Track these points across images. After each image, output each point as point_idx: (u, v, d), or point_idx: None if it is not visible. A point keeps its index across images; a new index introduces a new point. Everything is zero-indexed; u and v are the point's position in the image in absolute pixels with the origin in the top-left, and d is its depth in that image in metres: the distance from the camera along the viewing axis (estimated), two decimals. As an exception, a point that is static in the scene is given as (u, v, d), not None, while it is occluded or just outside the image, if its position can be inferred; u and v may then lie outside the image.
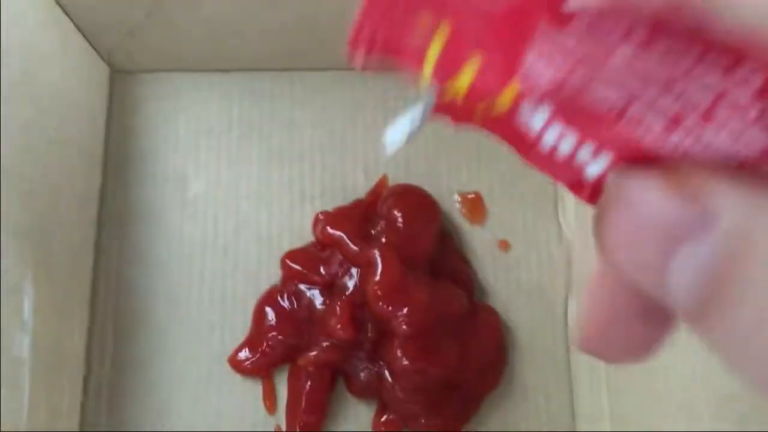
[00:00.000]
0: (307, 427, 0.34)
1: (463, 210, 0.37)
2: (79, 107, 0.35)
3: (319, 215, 0.36)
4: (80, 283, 0.34)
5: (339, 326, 0.32)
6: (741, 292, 0.10)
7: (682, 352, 0.28)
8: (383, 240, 0.33)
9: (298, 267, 0.35)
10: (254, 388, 0.35)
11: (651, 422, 0.30)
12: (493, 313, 0.36)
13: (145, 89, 0.38)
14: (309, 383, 0.34)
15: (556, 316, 0.36)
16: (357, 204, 0.36)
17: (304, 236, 0.36)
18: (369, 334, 0.33)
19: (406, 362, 0.32)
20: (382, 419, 0.34)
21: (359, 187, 0.37)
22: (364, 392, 0.34)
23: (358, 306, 0.33)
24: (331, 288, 0.34)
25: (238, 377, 0.35)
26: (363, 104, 0.38)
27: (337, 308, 0.33)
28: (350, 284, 0.33)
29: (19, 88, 0.30)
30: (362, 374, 0.34)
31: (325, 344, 0.33)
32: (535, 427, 0.35)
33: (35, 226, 0.30)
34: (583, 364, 0.34)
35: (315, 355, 0.33)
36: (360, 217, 0.35)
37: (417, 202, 0.36)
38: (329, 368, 0.34)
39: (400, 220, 0.34)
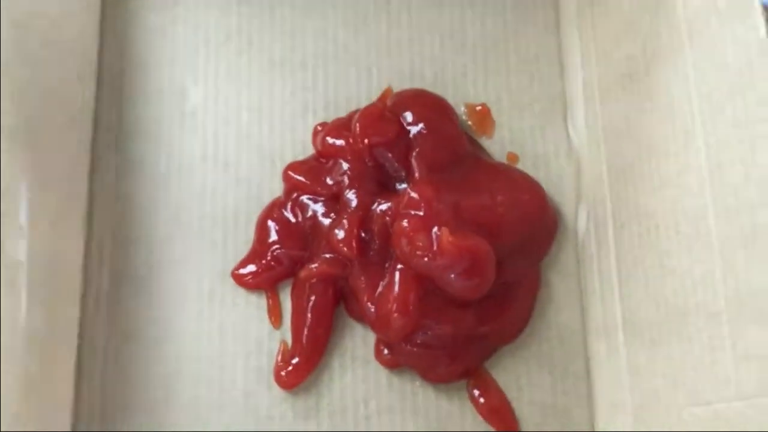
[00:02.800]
0: (313, 341, 0.33)
1: (471, 122, 0.36)
2: (71, 17, 0.34)
3: (318, 127, 0.35)
4: (77, 195, 0.33)
5: (343, 241, 0.31)
6: None
7: (697, 254, 0.27)
8: (416, 152, 0.32)
9: (300, 178, 0.34)
10: (259, 303, 0.34)
11: (667, 325, 0.29)
12: (536, 276, 0.34)
13: None
14: (313, 297, 0.33)
15: (566, 228, 0.35)
16: (357, 113, 0.34)
17: (307, 150, 0.35)
18: (372, 254, 0.32)
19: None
20: (384, 351, 0.34)
21: (362, 99, 0.36)
22: (362, 318, 0.34)
23: (365, 222, 0.32)
24: (335, 200, 0.33)
25: (242, 292, 0.34)
26: (366, 13, 0.37)
27: (344, 222, 0.32)
28: (354, 198, 0.32)
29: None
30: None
31: (327, 256, 0.32)
32: (545, 341, 0.34)
33: (28, 128, 0.29)
34: (594, 274, 0.34)
35: (316, 267, 0.32)
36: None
37: (430, 101, 0.35)
38: (331, 282, 0.33)
39: (422, 125, 0.33)
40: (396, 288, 0.31)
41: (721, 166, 0.26)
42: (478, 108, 0.36)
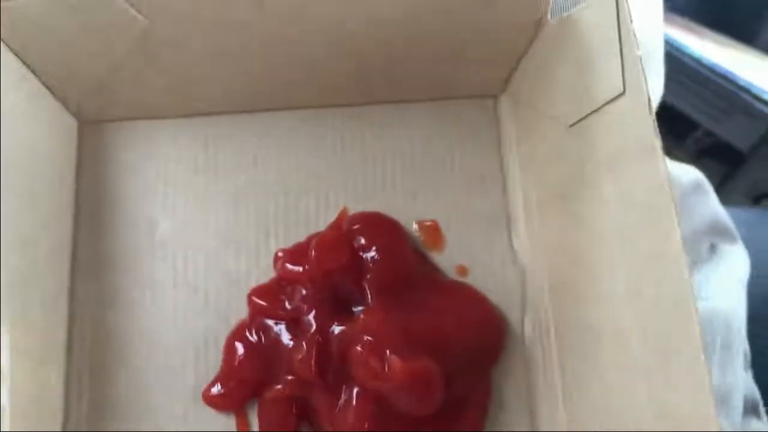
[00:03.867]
0: (281, 458, 0.35)
1: (422, 238, 0.39)
2: (49, 160, 0.37)
3: (279, 252, 0.37)
4: (56, 330, 0.36)
5: (303, 365, 0.33)
6: None
7: (626, 372, 0.29)
8: (368, 277, 0.35)
9: (262, 303, 0.36)
10: (229, 423, 0.36)
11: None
12: (487, 385, 0.36)
13: (112, 138, 0.40)
14: (278, 416, 0.35)
15: (513, 337, 0.37)
16: (314, 238, 0.37)
17: (270, 272, 0.38)
18: (331, 374, 0.34)
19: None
20: None
21: (320, 221, 0.39)
22: None
23: (323, 345, 0.34)
24: (296, 323, 0.36)
25: (212, 412, 0.36)
26: (323, 140, 0.40)
27: (304, 346, 0.34)
28: (313, 322, 0.35)
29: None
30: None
31: (289, 378, 0.35)
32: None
33: (10, 280, 0.32)
34: (541, 382, 0.36)
35: (279, 390, 0.35)
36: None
37: (383, 225, 0.38)
38: (295, 401, 0.35)
39: (374, 250, 0.36)
40: (353, 406, 0.33)
41: (639, 293, 0.29)
42: (428, 224, 0.39)
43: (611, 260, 0.31)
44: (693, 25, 0.77)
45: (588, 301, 0.33)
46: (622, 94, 0.29)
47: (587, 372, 0.33)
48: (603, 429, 0.31)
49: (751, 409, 0.41)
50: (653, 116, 0.27)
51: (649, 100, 0.27)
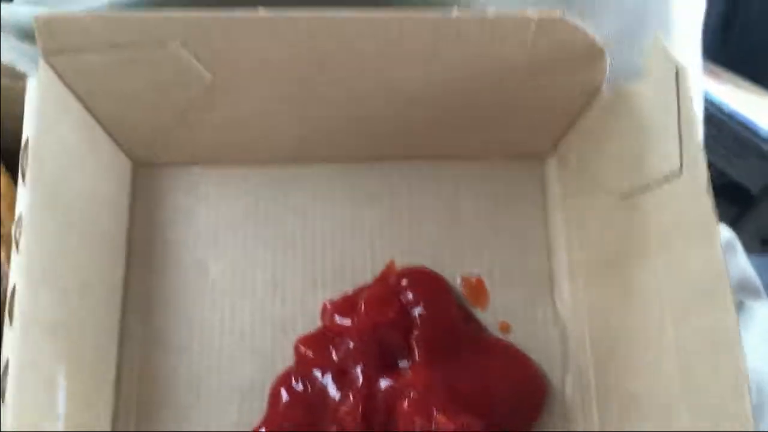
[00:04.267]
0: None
1: (466, 293, 0.39)
2: (105, 202, 0.38)
3: (327, 304, 0.38)
4: (106, 369, 0.37)
5: (349, 417, 0.34)
6: None
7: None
8: (416, 334, 0.36)
9: (309, 353, 0.37)
10: (271, 469, 0.37)
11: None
12: None
13: (166, 182, 0.41)
14: (321, 466, 0.36)
15: (554, 393, 0.38)
16: (362, 290, 0.38)
17: (316, 320, 0.38)
18: (376, 427, 0.35)
19: None
20: None
21: (367, 272, 0.39)
22: None
23: (369, 398, 0.35)
24: (342, 373, 0.36)
25: (254, 458, 0.37)
26: (371, 193, 0.41)
27: (350, 398, 0.35)
28: (360, 374, 0.35)
29: (54, 194, 0.32)
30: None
31: (334, 429, 0.35)
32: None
33: (67, 321, 0.33)
34: (582, 441, 0.36)
35: (325, 441, 0.35)
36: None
37: (429, 282, 0.38)
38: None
39: (421, 306, 0.37)
40: (398, 461, 0.34)
41: (691, 369, 0.29)
42: (473, 280, 0.39)
43: (660, 331, 0.31)
44: (712, 66, 0.78)
45: (632, 369, 0.33)
46: (680, 172, 0.29)
47: (629, 434, 0.33)
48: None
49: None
50: (711, 197, 0.28)
51: (708, 180, 0.28)
